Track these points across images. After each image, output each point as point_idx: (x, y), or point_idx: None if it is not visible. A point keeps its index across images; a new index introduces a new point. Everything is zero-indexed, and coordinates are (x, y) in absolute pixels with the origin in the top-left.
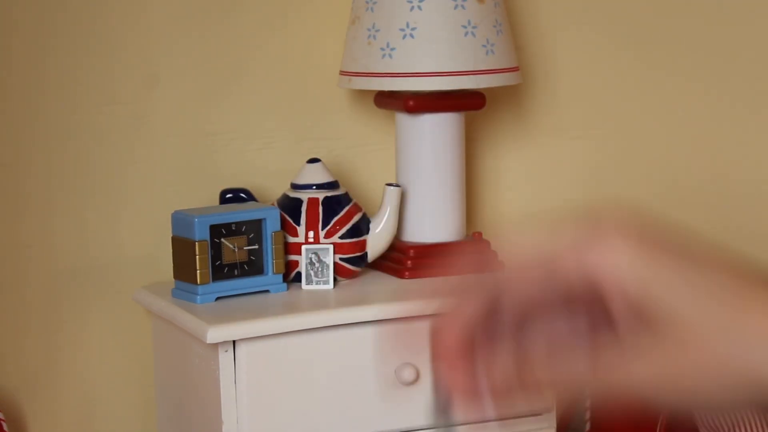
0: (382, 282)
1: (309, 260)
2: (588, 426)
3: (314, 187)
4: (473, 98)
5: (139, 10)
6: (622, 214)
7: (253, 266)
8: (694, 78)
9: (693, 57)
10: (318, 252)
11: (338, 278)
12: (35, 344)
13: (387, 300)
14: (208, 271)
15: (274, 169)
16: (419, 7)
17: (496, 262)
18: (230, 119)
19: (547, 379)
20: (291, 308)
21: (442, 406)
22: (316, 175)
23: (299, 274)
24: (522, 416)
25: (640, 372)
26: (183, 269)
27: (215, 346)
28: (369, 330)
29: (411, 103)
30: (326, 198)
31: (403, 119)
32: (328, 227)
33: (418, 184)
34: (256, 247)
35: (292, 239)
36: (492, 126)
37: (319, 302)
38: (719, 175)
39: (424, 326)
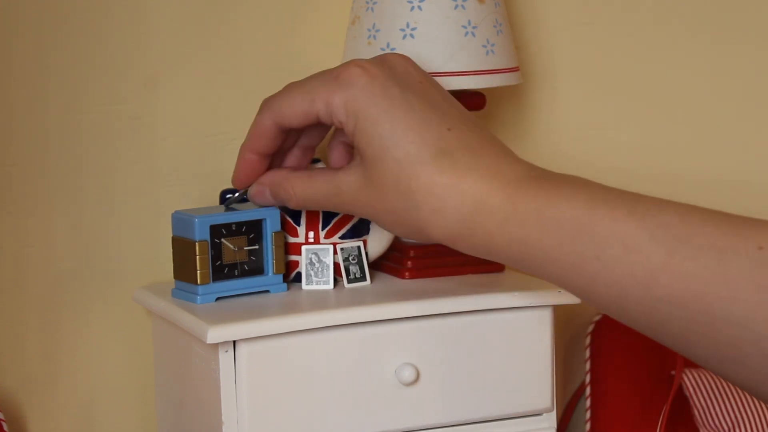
0: (382, 282)
1: (309, 260)
2: (588, 426)
3: None
4: (473, 98)
5: (138, 9)
6: (364, 65)
7: (253, 266)
8: (696, 78)
9: (695, 57)
10: (318, 252)
11: (338, 279)
12: (35, 344)
13: (387, 300)
14: (208, 271)
15: None
16: (419, 7)
17: (496, 263)
18: (230, 119)
19: (299, 190)
20: (291, 308)
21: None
22: None
23: (299, 274)
24: (522, 416)
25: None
26: (183, 269)
27: (215, 346)
28: (369, 330)
29: None
30: None
31: None
32: (329, 227)
33: None
34: (257, 247)
35: (292, 239)
36: (492, 126)
37: (319, 302)
38: (722, 175)
39: (424, 326)
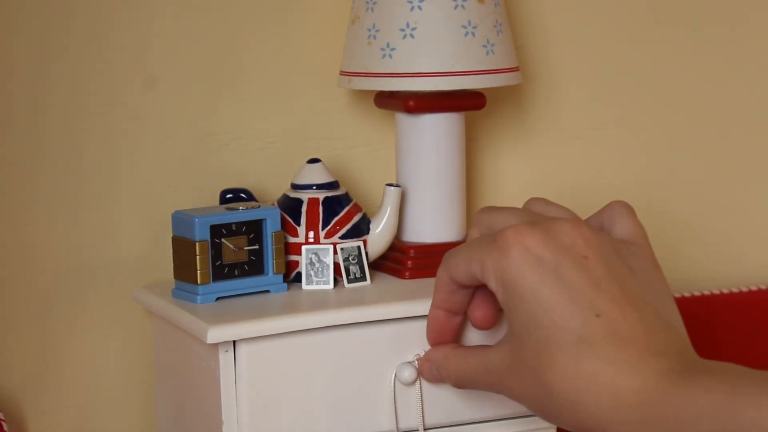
0: (382, 282)
1: (309, 260)
2: None
3: (314, 187)
4: (473, 98)
5: (138, 9)
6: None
7: (253, 266)
8: (696, 78)
9: (694, 57)
10: (318, 252)
11: (338, 279)
12: (35, 344)
13: (387, 300)
14: (208, 271)
15: (274, 169)
16: (419, 7)
17: None
18: (230, 119)
19: (453, 368)
20: (291, 308)
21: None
22: (316, 175)
23: (299, 274)
24: (522, 416)
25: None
26: (183, 269)
27: (215, 346)
28: (369, 330)
29: (411, 103)
30: (326, 198)
31: (403, 119)
32: (329, 227)
33: (418, 184)
34: (257, 247)
35: (292, 239)
36: (492, 126)
37: (319, 302)
38: (722, 174)
39: (424, 326)
